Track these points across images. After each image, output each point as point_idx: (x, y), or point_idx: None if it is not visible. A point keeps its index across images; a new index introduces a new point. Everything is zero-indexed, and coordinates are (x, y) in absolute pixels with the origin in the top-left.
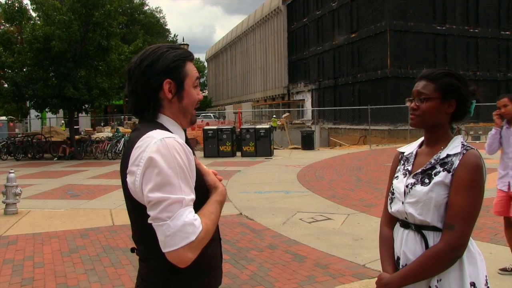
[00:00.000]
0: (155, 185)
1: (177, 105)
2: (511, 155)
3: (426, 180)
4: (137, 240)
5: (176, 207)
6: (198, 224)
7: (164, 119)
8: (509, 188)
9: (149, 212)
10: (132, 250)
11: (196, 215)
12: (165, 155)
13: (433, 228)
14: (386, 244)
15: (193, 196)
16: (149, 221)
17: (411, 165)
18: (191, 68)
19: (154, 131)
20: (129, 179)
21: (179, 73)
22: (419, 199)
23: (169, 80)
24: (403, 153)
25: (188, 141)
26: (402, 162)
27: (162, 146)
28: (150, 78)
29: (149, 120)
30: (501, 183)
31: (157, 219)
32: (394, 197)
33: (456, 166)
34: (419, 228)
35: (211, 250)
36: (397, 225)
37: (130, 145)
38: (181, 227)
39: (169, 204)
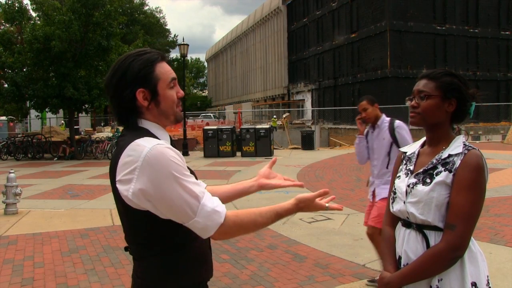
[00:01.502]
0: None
1: (156, 110)
2: (376, 162)
3: (428, 180)
4: (129, 241)
5: (195, 203)
6: (221, 209)
7: (147, 124)
8: (374, 197)
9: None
10: (126, 249)
11: (216, 201)
12: (161, 161)
13: (434, 228)
14: (388, 244)
15: (202, 185)
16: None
17: (413, 165)
18: (162, 70)
19: (142, 139)
20: (122, 187)
21: (150, 80)
22: (420, 198)
23: (142, 89)
24: (405, 153)
25: (173, 142)
26: (404, 162)
27: (155, 154)
28: (122, 93)
29: (134, 128)
30: (369, 192)
31: (185, 217)
32: (396, 197)
33: (457, 166)
34: (421, 228)
35: (200, 244)
36: (399, 224)
37: (118, 152)
38: (208, 216)
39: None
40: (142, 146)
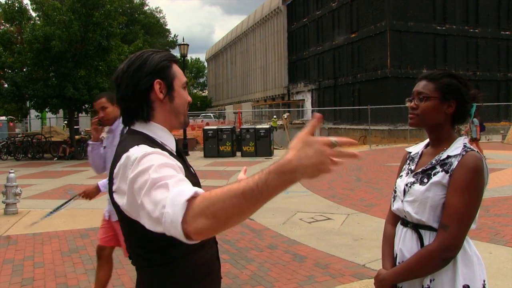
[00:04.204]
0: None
1: (169, 106)
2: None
3: (425, 180)
4: (129, 250)
5: (162, 193)
6: (188, 189)
7: (153, 127)
8: (110, 217)
9: (145, 220)
10: (130, 257)
11: (189, 186)
12: (149, 165)
13: (429, 228)
14: (388, 241)
15: (179, 177)
16: (155, 229)
17: (414, 165)
18: (178, 70)
19: (137, 147)
20: (118, 198)
21: (168, 74)
22: (416, 198)
23: (159, 81)
24: (410, 153)
25: (178, 147)
26: (408, 161)
27: (144, 161)
28: (140, 81)
29: (134, 132)
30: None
31: (158, 219)
32: (396, 195)
33: (454, 167)
34: (416, 227)
35: (204, 253)
36: (399, 223)
37: (115, 159)
38: (175, 199)
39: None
40: (132, 154)
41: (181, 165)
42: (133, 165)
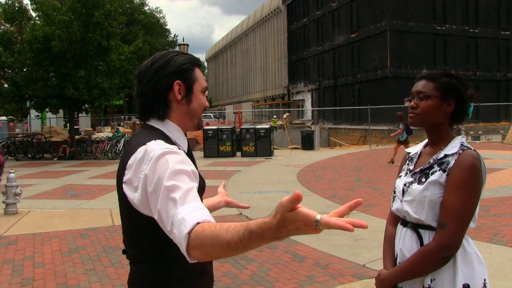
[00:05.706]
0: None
1: (185, 108)
2: None
3: (423, 179)
4: (127, 243)
5: (173, 210)
6: (190, 219)
7: (169, 125)
8: None
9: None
10: (124, 251)
11: (192, 211)
12: (164, 168)
13: (428, 227)
14: (388, 242)
15: (189, 186)
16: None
17: (413, 165)
18: (200, 74)
19: (154, 141)
20: (128, 190)
21: (189, 76)
22: (414, 197)
23: (179, 82)
24: (409, 153)
25: (189, 148)
26: (407, 162)
27: (162, 160)
28: (161, 79)
29: (151, 127)
30: None
31: (169, 232)
32: (395, 196)
33: (451, 166)
34: (416, 227)
35: None
36: (399, 223)
37: (129, 151)
38: (178, 226)
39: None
40: (151, 148)
41: (195, 169)
42: (151, 162)
